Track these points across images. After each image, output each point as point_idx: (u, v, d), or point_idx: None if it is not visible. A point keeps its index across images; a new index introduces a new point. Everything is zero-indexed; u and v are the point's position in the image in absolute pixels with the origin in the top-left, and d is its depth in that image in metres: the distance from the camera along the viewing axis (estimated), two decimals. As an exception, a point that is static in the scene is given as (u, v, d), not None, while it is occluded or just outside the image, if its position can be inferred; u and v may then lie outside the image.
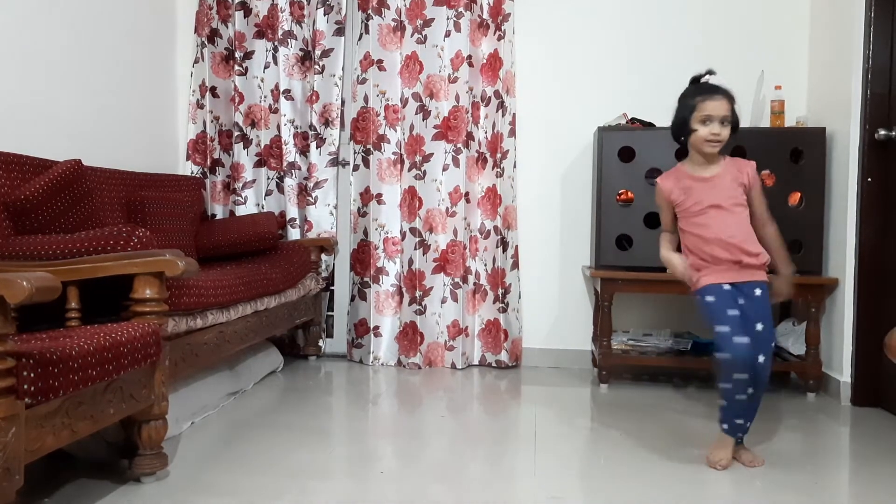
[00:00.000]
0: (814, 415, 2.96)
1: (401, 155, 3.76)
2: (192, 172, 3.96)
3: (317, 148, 3.81)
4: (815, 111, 3.51)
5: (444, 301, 3.71)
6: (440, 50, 3.69)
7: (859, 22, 3.05)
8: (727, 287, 2.26)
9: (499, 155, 3.72)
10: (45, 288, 1.43)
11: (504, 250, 3.73)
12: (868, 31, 3.02)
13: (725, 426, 2.30)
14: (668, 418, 2.87)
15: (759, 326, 2.24)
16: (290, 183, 3.86)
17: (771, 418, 2.88)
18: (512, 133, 3.72)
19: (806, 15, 3.62)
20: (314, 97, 3.79)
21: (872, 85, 3.02)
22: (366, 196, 3.81)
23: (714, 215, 2.29)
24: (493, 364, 3.74)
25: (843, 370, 3.11)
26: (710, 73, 2.36)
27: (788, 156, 3.26)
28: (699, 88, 2.32)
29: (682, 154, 3.29)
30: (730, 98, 2.29)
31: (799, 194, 3.28)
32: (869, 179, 3.03)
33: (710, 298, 2.26)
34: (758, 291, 2.27)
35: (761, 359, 2.22)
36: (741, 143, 3.27)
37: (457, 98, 3.68)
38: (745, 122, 3.57)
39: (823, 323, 3.27)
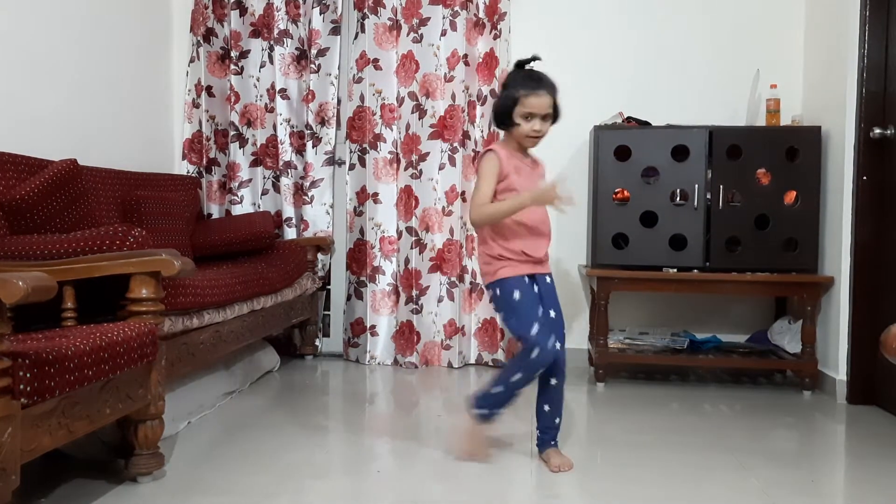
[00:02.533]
0: (810, 413, 2.97)
1: (397, 154, 3.76)
2: (187, 172, 3.95)
3: (313, 147, 3.81)
4: (811, 110, 3.52)
5: (440, 300, 3.70)
6: (436, 49, 3.69)
7: (854, 21, 3.06)
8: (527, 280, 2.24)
9: (495, 154, 3.72)
10: (41, 288, 1.43)
11: (500, 249, 3.73)
12: (863, 30, 3.03)
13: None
14: (665, 416, 2.88)
15: (552, 313, 2.24)
16: (287, 182, 3.85)
17: (767, 416, 2.89)
18: (508, 132, 3.72)
19: (801, 14, 3.63)
20: (310, 96, 3.79)
21: (867, 83, 3.03)
22: (362, 195, 3.81)
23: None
24: (490, 363, 3.74)
25: (838, 368, 3.12)
26: (535, 58, 2.26)
27: (784, 154, 3.27)
28: (524, 81, 2.20)
29: (677, 153, 3.32)
30: (552, 91, 2.18)
31: (794, 193, 3.28)
32: (864, 178, 3.04)
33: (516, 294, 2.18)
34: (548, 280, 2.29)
35: (558, 345, 2.20)
36: (737, 141, 3.29)
37: (453, 97, 3.67)
38: (740, 121, 3.61)
39: (819, 321, 3.28)
